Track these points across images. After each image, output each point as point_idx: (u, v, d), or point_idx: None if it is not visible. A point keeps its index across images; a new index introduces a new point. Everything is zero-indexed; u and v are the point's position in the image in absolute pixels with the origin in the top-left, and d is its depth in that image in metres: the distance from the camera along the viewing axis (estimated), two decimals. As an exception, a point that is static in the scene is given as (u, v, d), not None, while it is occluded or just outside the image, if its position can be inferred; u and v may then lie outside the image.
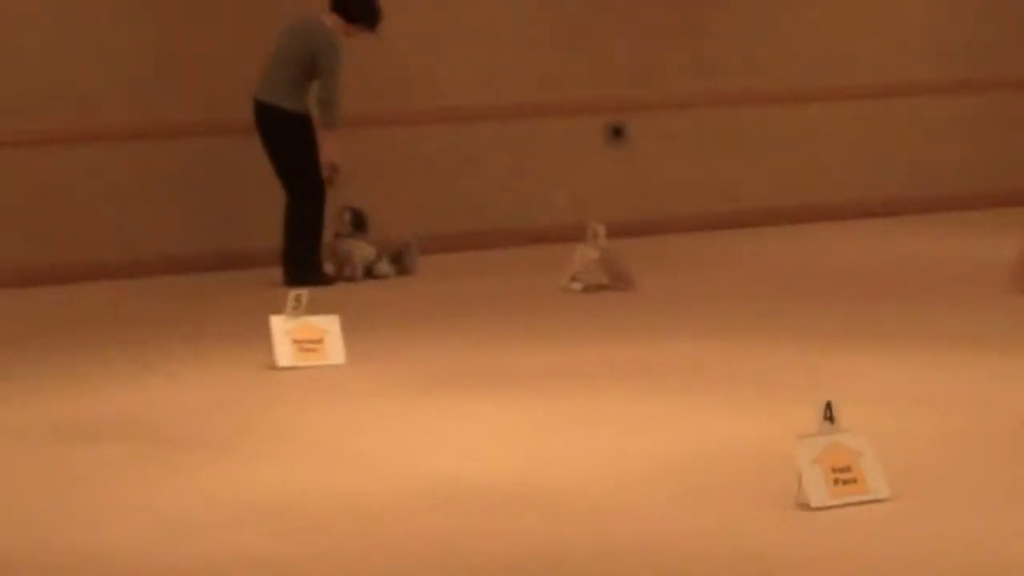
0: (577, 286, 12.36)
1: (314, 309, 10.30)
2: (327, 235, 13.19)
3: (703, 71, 15.28)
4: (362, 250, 13.21)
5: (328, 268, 13.09)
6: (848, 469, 6.88)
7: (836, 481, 6.83)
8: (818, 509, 6.76)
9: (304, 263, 12.93)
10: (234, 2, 14.04)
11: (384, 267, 13.25)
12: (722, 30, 15.34)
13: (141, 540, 6.79)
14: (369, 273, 13.19)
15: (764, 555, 6.37)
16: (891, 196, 15.78)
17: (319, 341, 10.10)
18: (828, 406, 6.97)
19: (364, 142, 14.02)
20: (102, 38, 13.77)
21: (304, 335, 10.09)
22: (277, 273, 13.09)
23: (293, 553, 6.58)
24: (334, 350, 10.08)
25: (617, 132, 15.14)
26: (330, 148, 12.94)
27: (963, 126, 16.05)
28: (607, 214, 13.92)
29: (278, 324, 10.09)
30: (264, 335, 10.20)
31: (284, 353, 10.02)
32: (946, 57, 15.95)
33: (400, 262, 13.32)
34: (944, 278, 12.40)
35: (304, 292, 10.31)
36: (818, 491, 6.81)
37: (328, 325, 10.15)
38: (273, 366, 9.97)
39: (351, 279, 13.07)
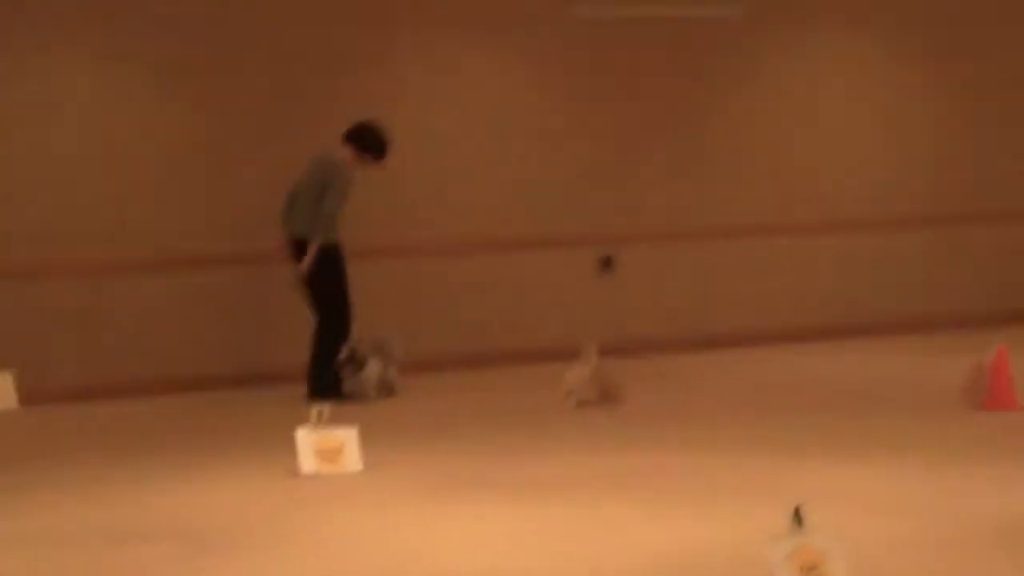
0: (571, 400, 12.28)
1: (334, 421, 10.29)
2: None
3: (681, 209, 15.30)
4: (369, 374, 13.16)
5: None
6: (815, 567, 6.83)
7: (805, 578, 6.83)
8: (789, 604, 6.69)
9: (326, 381, 12.92)
10: (271, 143, 14.05)
11: (373, 364, 13.15)
12: (698, 172, 15.37)
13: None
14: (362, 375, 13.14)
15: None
16: (847, 321, 15.78)
17: (339, 451, 10.04)
18: (797, 510, 6.95)
19: (383, 270, 14.00)
20: (150, 178, 13.79)
21: (325, 445, 10.05)
22: (301, 389, 13.10)
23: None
24: (352, 459, 10.03)
25: (607, 263, 15.15)
26: (309, 255, 12.90)
27: (921, 256, 16.04)
28: (598, 336, 13.95)
29: (302, 436, 10.05)
30: (289, 445, 10.20)
31: (307, 462, 9.99)
32: (904, 196, 15.98)
33: (382, 352, 13.21)
34: (905, 395, 12.30)
35: (326, 407, 10.30)
36: (789, 587, 6.79)
37: (347, 436, 10.09)
38: (297, 474, 9.93)
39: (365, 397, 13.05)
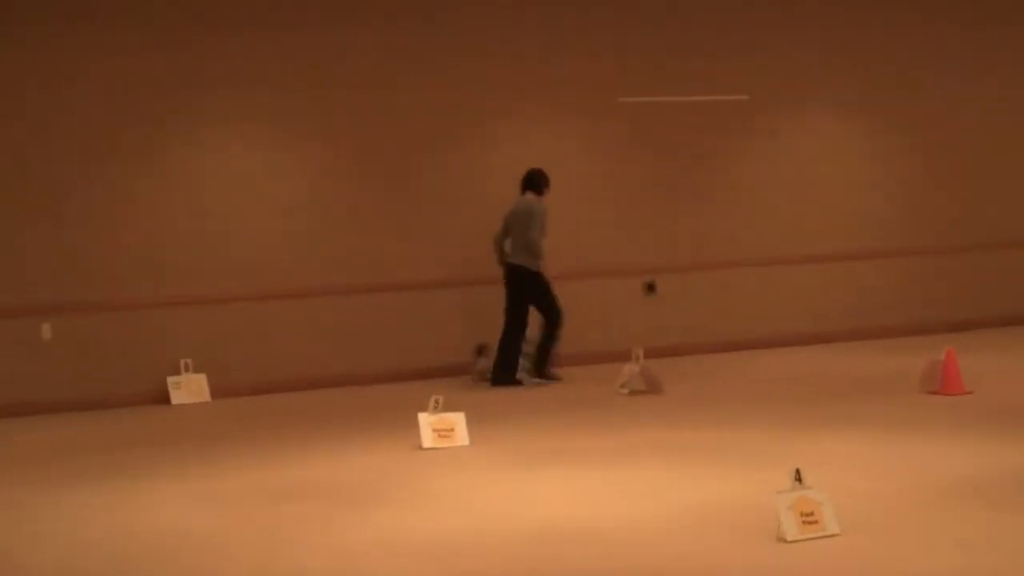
0: (625, 391, 12.20)
1: (447, 408, 10.28)
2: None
3: (704, 246, 15.24)
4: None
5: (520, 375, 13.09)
6: (812, 514, 6.82)
7: (804, 523, 6.78)
8: (792, 542, 6.72)
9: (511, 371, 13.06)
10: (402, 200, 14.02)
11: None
12: (714, 217, 15.31)
13: (335, 569, 6.75)
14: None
15: (754, 570, 6.33)
16: (833, 329, 15.70)
17: (451, 430, 10.05)
18: (797, 471, 6.93)
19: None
20: (303, 230, 13.82)
21: (441, 425, 10.06)
22: (415, 386, 13.03)
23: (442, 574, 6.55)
24: (461, 436, 10.03)
25: (650, 287, 15.12)
26: (543, 271, 12.87)
27: (885, 279, 15.95)
28: (644, 342, 13.88)
29: (423, 418, 10.07)
30: (413, 426, 10.22)
31: (427, 439, 9.99)
32: (868, 234, 15.89)
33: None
34: (877, 384, 12.16)
35: (441, 397, 10.29)
36: (791, 529, 6.77)
37: (457, 418, 10.09)
38: (419, 448, 9.94)
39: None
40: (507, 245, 13.06)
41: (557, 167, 14.15)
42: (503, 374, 13.00)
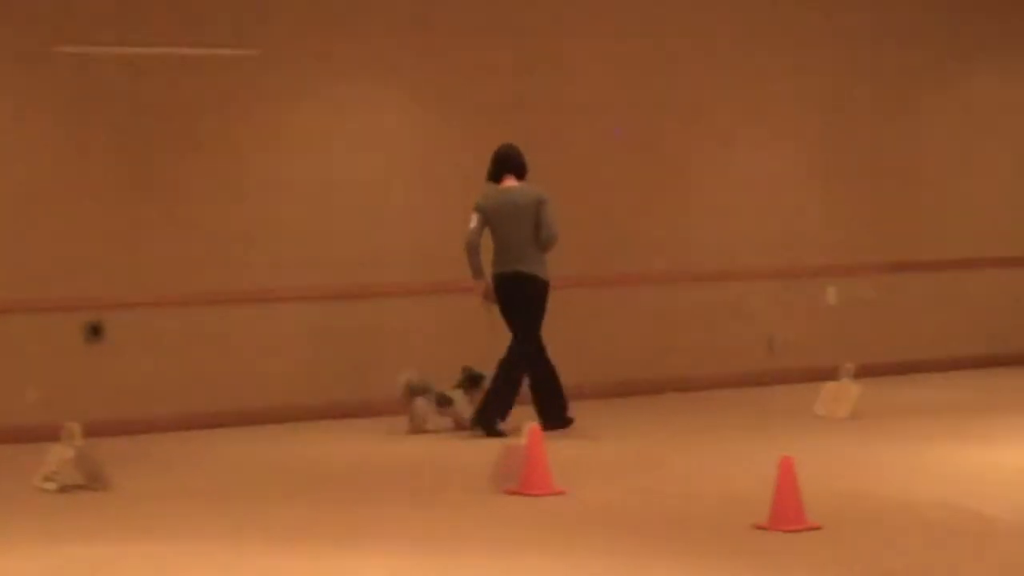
0: (52, 486, 8.91)
1: None
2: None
3: (179, 270, 11.42)
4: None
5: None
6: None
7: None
8: None
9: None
10: None
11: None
12: (166, 237, 11.55)
13: None
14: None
15: None
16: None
17: None
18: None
19: None
20: None
21: None
22: None
23: None
24: None
25: (95, 330, 11.16)
26: None
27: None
28: (86, 412, 10.11)
29: None
30: None
31: None
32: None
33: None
34: (427, 479, 9.09)
35: None
36: None
37: None
38: None
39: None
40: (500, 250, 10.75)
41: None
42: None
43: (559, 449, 9.14)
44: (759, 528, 7.20)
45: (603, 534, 7.40)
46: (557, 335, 10.90)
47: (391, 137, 11.98)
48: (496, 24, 12.35)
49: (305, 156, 11.80)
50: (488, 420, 10.35)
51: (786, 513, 7.09)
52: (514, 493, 8.18)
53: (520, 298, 10.57)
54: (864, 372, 11.52)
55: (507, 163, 10.64)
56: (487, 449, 9.11)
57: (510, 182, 10.63)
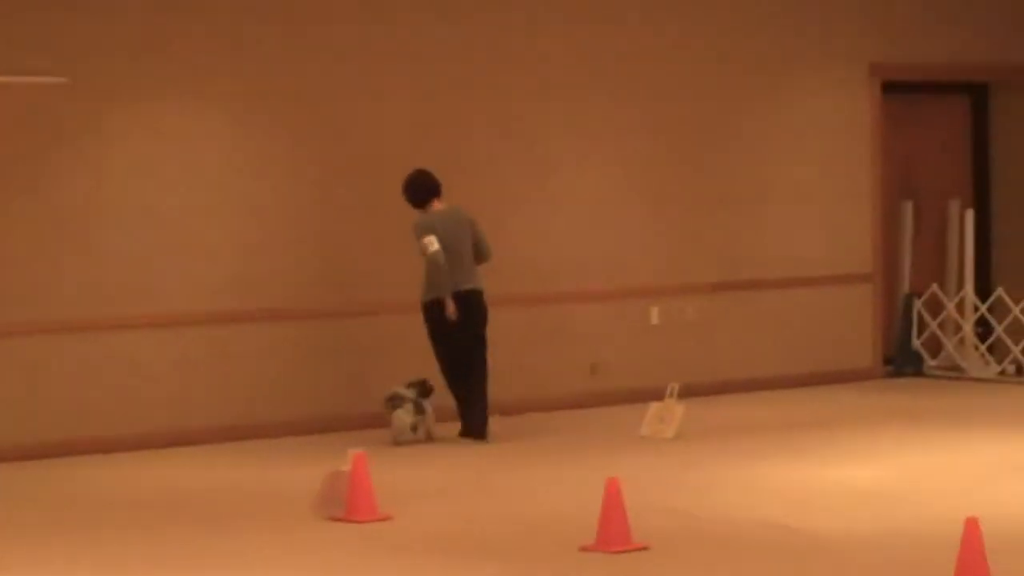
0: None
1: None
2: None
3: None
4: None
5: None
6: None
7: None
8: None
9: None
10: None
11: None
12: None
13: None
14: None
15: None
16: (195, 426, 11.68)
17: None
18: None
19: None
20: None
21: None
22: None
23: None
24: None
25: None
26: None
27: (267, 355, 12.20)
28: None
29: None
30: None
31: None
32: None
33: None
34: (255, 505, 8.83)
35: None
36: None
37: None
38: None
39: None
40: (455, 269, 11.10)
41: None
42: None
43: (384, 473, 8.98)
44: (585, 550, 7.15)
45: (429, 559, 7.31)
46: (382, 360, 10.82)
47: (212, 165, 11.73)
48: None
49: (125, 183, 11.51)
50: (484, 430, 10.92)
51: (612, 534, 7.08)
52: (339, 520, 8.00)
53: (481, 313, 11.01)
54: (688, 392, 11.55)
55: (432, 188, 11.00)
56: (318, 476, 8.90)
57: (439, 205, 10.97)
